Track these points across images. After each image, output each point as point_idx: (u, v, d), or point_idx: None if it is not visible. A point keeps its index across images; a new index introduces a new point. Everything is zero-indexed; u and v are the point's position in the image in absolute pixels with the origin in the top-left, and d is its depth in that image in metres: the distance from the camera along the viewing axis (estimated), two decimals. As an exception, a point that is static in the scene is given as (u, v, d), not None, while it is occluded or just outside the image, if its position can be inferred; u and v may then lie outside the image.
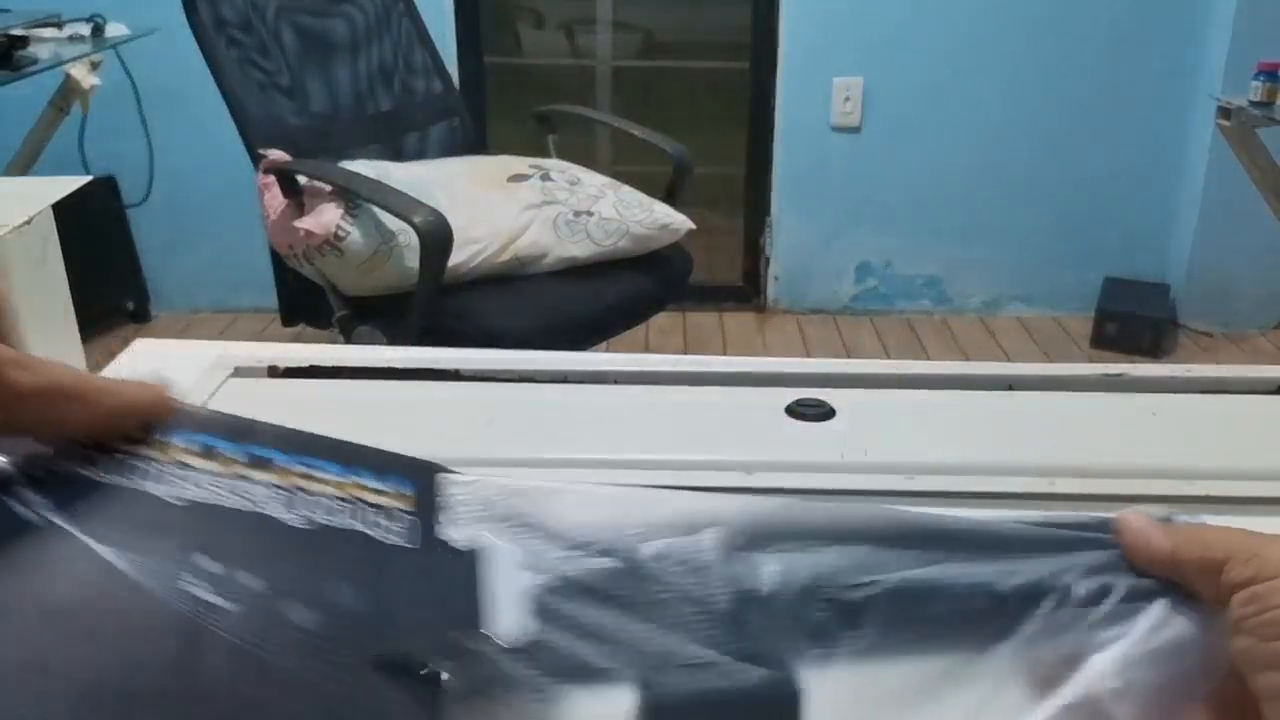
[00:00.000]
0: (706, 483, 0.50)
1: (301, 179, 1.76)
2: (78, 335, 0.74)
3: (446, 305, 1.73)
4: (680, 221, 1.94)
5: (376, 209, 1.70)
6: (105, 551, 0.29)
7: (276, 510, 0.33)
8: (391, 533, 0.34)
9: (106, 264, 2.72)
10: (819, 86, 2.76)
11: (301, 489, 0.34)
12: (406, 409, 0.59)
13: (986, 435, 0.56)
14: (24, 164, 2.26)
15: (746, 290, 3.02)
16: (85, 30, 2.23)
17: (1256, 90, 2.00)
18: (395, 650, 0.30)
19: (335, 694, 0.29)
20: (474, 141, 2.25)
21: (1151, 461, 0.53)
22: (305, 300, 2.01)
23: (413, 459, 0.37)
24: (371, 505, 0.34)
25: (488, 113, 2.87)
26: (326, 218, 1.71)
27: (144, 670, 0.27)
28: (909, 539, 0.35)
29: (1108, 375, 0.61)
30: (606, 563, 0.34)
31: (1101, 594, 0.33)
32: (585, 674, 0.32)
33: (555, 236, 1.85)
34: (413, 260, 1.69)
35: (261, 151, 1.79)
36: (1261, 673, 0.30)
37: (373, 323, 1.80)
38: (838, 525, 0.35)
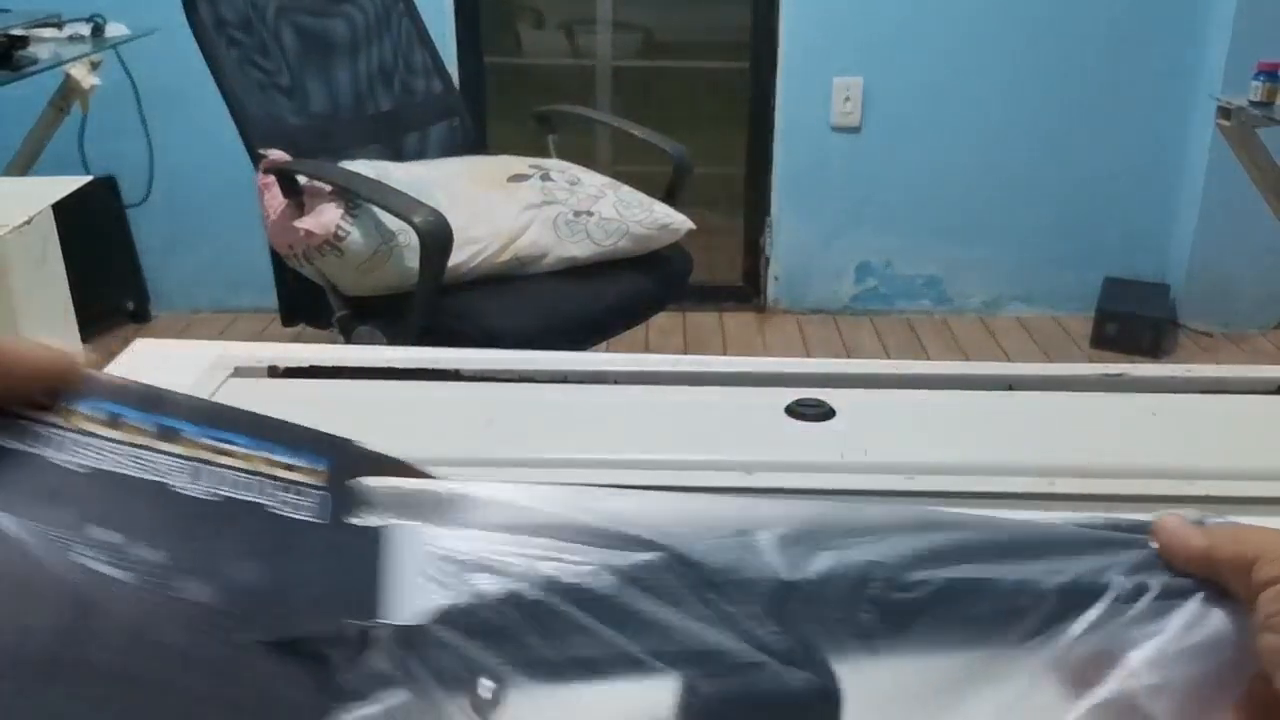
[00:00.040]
0: (706, 483, 0.50)
1: (301, 179, 1.76)
2: (78, 335, 0.74)
3: (446, 305, 1.73)
4: (680, 221, 1.94)
5: (376, 209, 1.70)
6: None
7: (180, 481, 0.32)
8: (301, 508, 0.33)
9: (106, 264, 2.72)
10: (819, 86, 2.76)
11: (208, 461, 0.33)
12: (406, 409, 0.59)
13: (986, 435, 0.56)
14: (24, 164, 2.26)
15: (746, 290, 3.02)
16: (85, 30, 2.23)
17: (1256, 90, 2.00)
18: (291, 631, 0.30)
19: (226, 673, 0.29)
20: (474, 141, 2.25)
21: (1151, 461, 0.53)
22: (305, 300, 2.01)
23: (328, 435, 0.36)
24: (281, 480, 0.34)
25: (488, 113, 2.87)
26: (326, 218, 1.71)
27: (34, 637, 0.27)
28: (955, 539, 0.35)
29: (1108, 375, 0.61)
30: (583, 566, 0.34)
31: (1138, 592, 0.34)
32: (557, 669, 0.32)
33: (555, 236, 1.85)
34: (413, 260, 1.69)
35: (261, 151, 1.79)
36: None
37: (373, 323, 1.80)
38: (882, 524, 0.35)
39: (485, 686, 0.31)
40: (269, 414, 0.36)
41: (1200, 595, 0.33)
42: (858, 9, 2.69)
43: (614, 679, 0.32)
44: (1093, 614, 0.33)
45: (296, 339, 2.38)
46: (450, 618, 0.32)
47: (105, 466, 0.31)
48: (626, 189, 1.98)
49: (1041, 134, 2.78)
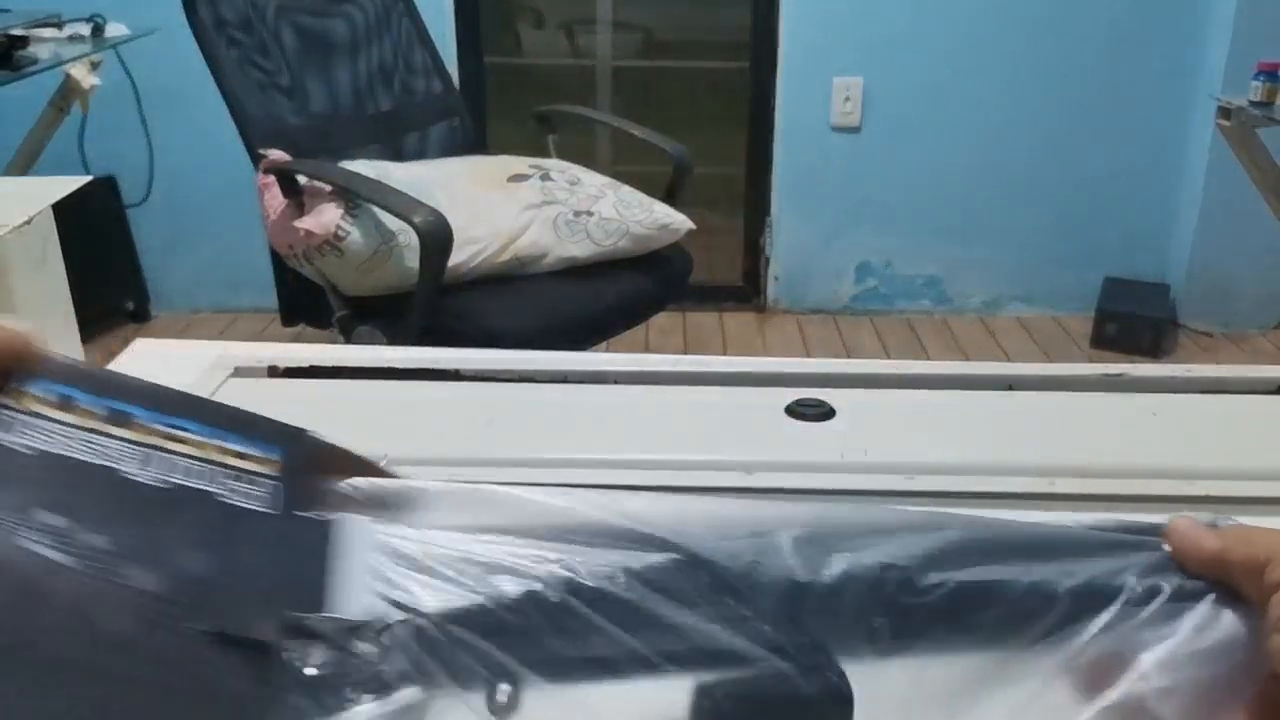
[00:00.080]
0: (706, 483, 0.50)
1: (301, 179, 1.76)
2: (78, 335, 0.74)
3: (446, 305, 1.73)
4: (680, 221, 1.94)
5: (376, 209, 1.70)
6: None
7: (131, 467, 0.32)
8: (251, 497, 0.33)
9: (106, 264, 2.72)
10: (819, 86, 2.76)
11: (159, 447, 0.33)
12: (406, 409, 0.59)
13: (986, 435, 0.56)
14: (24, 164, 2.26)
15: (746, 290, 3.02)
16: (85, 30, 2.23)
17: (1256, 90, 2.00)
18: (236, 622, 0.30)
19: (169, 661, 0.29)
20: (474, 141, 2.25)
21: (1151, 461, 0.53)
22: (305, 300, 2.01)
23: (283, 424, 0.36)
24: (233, 469, 0.33)
25: (488, 113, 2.87)
26: (326, 218, 1.71)
27: None
28: (968, 541, 0.35)
29: (1108, 375, 0.61)
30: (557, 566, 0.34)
31: (1151, 595, 0.34)
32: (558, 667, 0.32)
33: (555, 236, 1.85)
34: (413, 260, 1.69)
35: (261, 151, 1.79)
36: None
37: (373, 323, 1.80)
38: (897, 527, 0.35)
39: (502, 690, 0.31)
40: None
41: (1212, 597, 0.33)
42: (858, 9, 2.69)
43: (628, 679, 0.32)
44: (1105, 617, 0.33)
45: (296, 339, 2.38)
46: (466, 617, 0.32)
47: (54, 449, 0.31)
48: (626, 189, 1.98)
49: (1041, 134, 2.78)
